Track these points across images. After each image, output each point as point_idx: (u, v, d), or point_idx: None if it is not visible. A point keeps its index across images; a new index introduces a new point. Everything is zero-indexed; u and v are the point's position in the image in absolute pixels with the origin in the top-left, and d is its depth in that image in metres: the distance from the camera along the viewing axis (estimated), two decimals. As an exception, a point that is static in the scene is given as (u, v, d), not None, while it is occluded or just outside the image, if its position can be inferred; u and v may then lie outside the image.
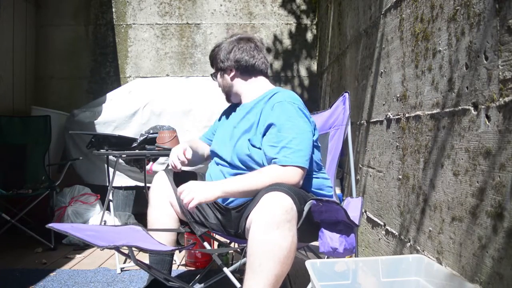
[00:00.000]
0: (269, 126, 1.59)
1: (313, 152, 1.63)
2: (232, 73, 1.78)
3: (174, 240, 1.81)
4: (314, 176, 1.66)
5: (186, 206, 1.44)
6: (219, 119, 1.97)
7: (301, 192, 1.46)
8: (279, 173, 1.48)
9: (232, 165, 1.67)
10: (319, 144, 1.75)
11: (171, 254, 1.83)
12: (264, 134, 1.61)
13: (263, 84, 1.81)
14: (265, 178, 1.48)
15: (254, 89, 1.78)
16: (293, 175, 1.49)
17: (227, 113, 1.92)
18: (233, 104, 1.90)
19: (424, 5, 1.55)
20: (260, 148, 1.61)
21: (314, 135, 1.65)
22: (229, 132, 1.75)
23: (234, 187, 1.49)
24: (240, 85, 1.79)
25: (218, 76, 1.82)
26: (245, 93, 1.79)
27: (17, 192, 2.94)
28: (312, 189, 1.64)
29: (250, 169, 1.61)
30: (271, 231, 1.29)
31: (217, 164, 1.74)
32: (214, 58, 1.82)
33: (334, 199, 1.75)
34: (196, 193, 1.43)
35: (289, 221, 1.31)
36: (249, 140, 1.63)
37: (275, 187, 1.37)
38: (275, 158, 1.51)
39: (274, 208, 1.30)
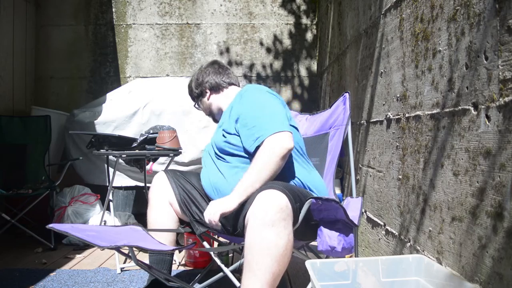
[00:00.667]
0: (241, 114, 1.66)
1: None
2: (207, 94, 1.95)
3: (174, 240, 1.81)
4: (300, 164, 1.68)
5: (212, 224, 1.53)
6: None
7: (296, 190, 1.46)
8: (269, 148, 1.52)
9: (216, 152, 1.75)
10: (296, 126, 1.78)
11: (171, 254, 1.83)
12: (237, 121, 1.68)
13: (235, 90, 1.93)
14: (263, 160, 1.51)
15: (228, 97, 1.92)
16: (282, 141, 1.52)
17: None
18: None
19: (424, 5, 1.55)
20: (235, 134, 1.68)
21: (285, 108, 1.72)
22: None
23: (245, 185, 1.51)
24: (216, 100, 1.94)
25: (200, 104, 2.01)
26: (222, 103, 1.93)
27: (17, 192, 2.94)
28: (301, 179, 1.65)
29: (230, 155, 1.67)
30: (266, 230, 1.29)
31: (209, 161, 1.78)
32: (190, 92, 2.02)
33: (332, 196, 1.75)
34: (217, 208, 1.51)
35: (284, 219, 1.31)
36: (223, 130, 1.72)
37: (270, 185, 1.38)
38: (259, 137, 1.55)
39: (269, 206, 1.31)
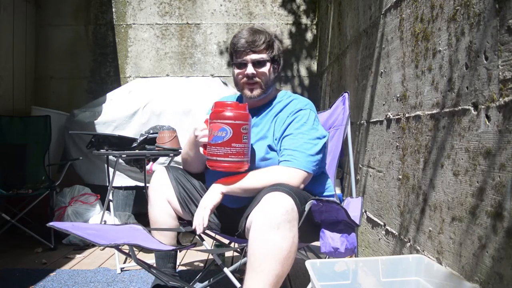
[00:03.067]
0: (287, 130, 1.60)
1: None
2: (276, 73, 1.70)
3: (174, 237, 1.81)
4: (319, 179, 1.68)
5: (201, 229, 1.46)
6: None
7: (302, 192, 1.46)
8: (282, 174, 1.50)
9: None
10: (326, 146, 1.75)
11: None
12: (280, 137, 1.61)
13: (276, 89, 1.78)
14: (266, 178, 1.50)
15: (273, 88, 1.73)
16: (296, 177, 1.50)
17: None
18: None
19: (424, 5, 1.55)
20: (275, 151, 1.62)
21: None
22: None
23: (236, 184, 1.50)
24: (268, 75, 1.66)
25: (269, 64, 1.65)
26: (268, 84, 1.67)
27: (17, 192, 2.94)
28: (319, 190, 1.65)
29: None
30: (271, 232, 1.28)
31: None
32: (271, 44, 1.66)
33: (334, 198, 1.75)
34: (205, 204, 1.48)
35: (290, 222, 1.31)
36: (268, 146, 1.62)
37: (277, 187, 1.37)
38: (286, 161, 1.53)
39: (274, 208, 1.30)
